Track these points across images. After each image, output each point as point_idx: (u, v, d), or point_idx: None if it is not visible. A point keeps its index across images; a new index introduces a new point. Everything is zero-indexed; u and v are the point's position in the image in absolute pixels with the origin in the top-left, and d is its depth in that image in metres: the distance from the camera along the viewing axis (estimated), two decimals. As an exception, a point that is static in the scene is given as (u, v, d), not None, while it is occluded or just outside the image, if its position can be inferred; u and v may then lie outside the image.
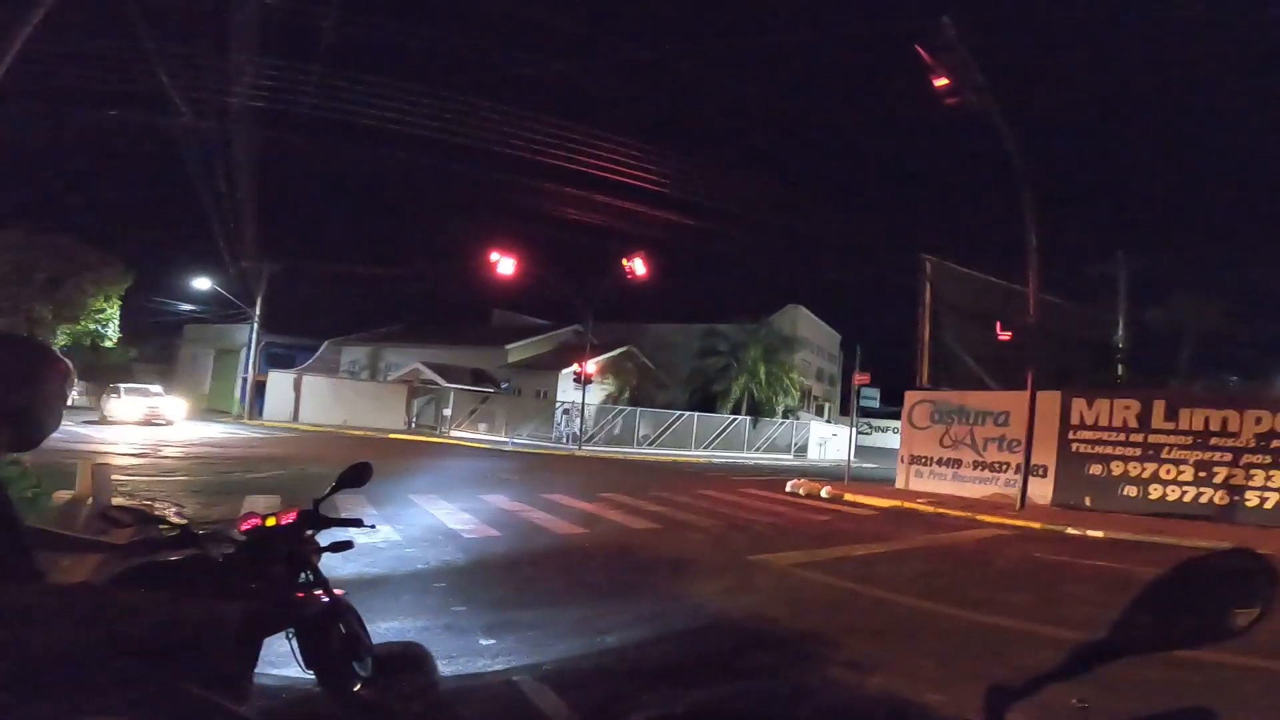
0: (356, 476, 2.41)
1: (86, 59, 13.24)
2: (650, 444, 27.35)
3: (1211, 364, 17.78)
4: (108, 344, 24.18)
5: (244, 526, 2.26)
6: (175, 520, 2.25)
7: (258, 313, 25.61)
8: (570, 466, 17.87)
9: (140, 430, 17.61)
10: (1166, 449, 11.75)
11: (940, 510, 11.83)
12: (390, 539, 6.73)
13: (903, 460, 15.26)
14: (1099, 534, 9.83)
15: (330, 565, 2.43)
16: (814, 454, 31.37)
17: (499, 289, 25.53)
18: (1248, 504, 11.02)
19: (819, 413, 42.06)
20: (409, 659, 2.45)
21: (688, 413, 29.19)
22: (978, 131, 11.85)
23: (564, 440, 25.65)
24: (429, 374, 28.54)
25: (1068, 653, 0.81)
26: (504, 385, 29.64)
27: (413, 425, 26.97)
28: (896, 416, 16.77)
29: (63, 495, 6.80)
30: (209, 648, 1.64)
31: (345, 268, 34.61)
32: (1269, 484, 10.89)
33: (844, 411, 37.98)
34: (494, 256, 20.69)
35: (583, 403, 24.70)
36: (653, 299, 30.88)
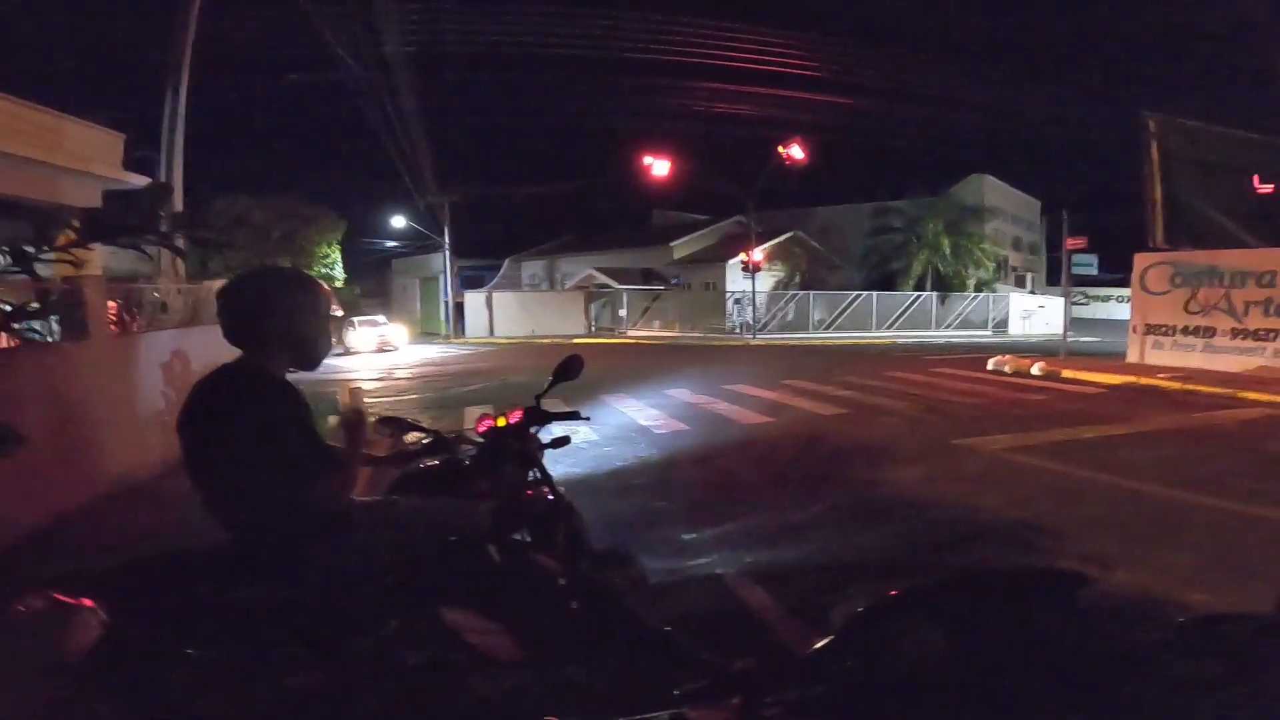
0: (569, 370, 2.51)
1: (253, 32, 14.51)
2: (826, 328, 26.48)
3: None
4: (337, 285, 27.80)
5: (480, 428, 2.47)
6: (428, 428, 2.46)
7: (448, 240, 27.80)
8: (747, 356, 17.81)
9: (374, 357, 20.08)
10: None
11: (1189, 387, 10.11)
12: (589, 439, 7.14)
13: (1135, 330, 13.20)
14: None
15: (545, 467, 2.55)
16: (1016, 329, 28.37)
17: (658, 190, 25.77)
18: None
19: (1020, 284, 37.75)
20: (618, 557, 2.55)
21: (865, 293, 27.61)
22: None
23: (737, 330, 25.70)
24: (602, 278, 29.57)
25: None
26: (673, 281, 29.96)
27: (592, 328, 28.36)
28: (1117, 284, 14.95)
29: (333, 420, 7.94)
30: (472, 545, 1.81)
31: (516, 188, 36.17)
32: None
33: (1052, 281, 33.62)
34: (647, 160, 21.28)
35: (753, 291, 24.33)
36: (817, 182, 29.16)
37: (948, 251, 28.89)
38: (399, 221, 29.51)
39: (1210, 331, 12.02)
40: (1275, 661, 0.69)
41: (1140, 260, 13.22)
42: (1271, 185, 12.76)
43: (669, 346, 22.03)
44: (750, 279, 23.97)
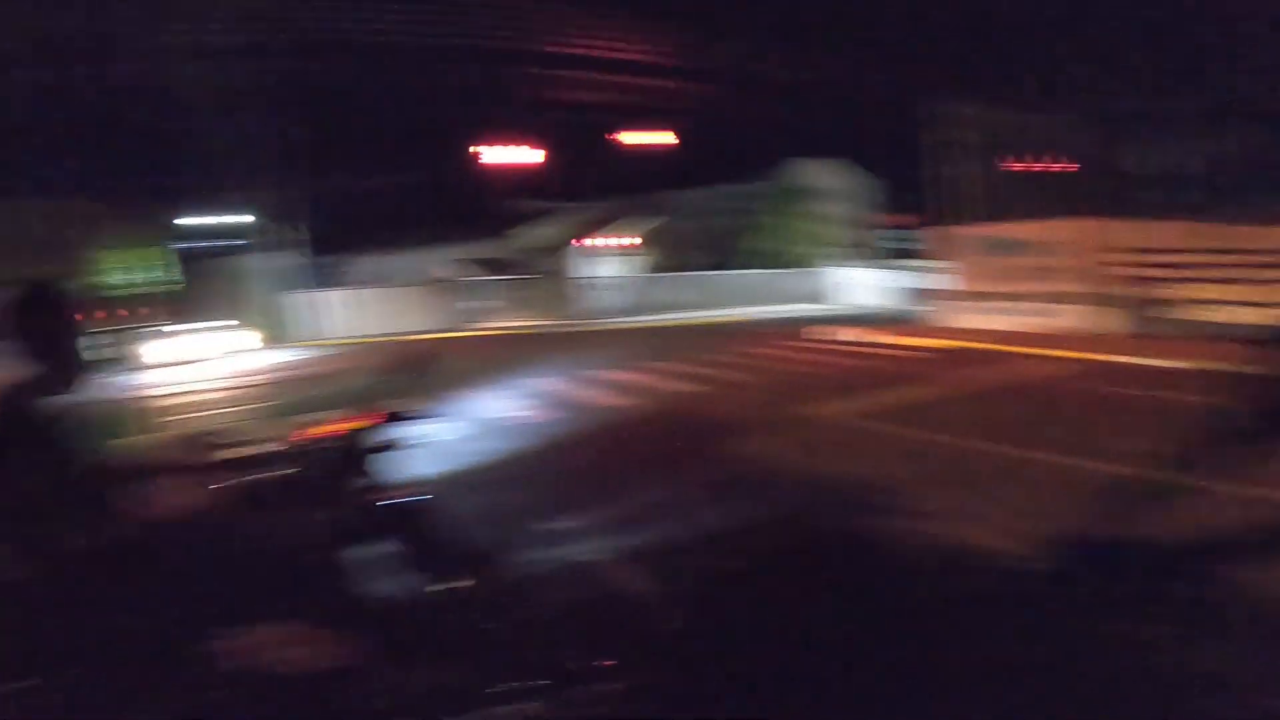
0: (419, 366, 2.42)
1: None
2: (681, 308, 27.54)
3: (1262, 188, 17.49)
4: (163, 289, 25.05)
5: (321, 434, 2.32)
6: (255, 439, 2.32)
7: (293, 238, 25.92)
8: (607, 340, 17.95)
9: (211, 365, 18.03)
10: (1216, 269, 10.98)
11: (993, 346, 11.52)
12: (449, 435, 6.82)
13: (947, 298, 14.84)
14: (1166, 363, 9.13)
15: (400, 469, 2.43)
16: (854, 299, 31.01)
17: (514, 179, 25.40)
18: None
19: (857, 259, 41.33)
20: (487, 554, 2.50)
21: (718, 273, 29.24)
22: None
23: (596, 315, 26.04)
24: (458, 271, 28.83)
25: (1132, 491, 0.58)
26: (529, 270, 29.71)
27: (448, 323, 27.45)
28: (932, 256, 16.98)
29: (148, 436, 6.99)
30: (311, 558, 1.68)
31: (365, 183, 33.97)
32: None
33: (877, 255, 37.02)
34: (499, 149, 21.06)
35: (610, 274, 24.83)
36: (673, 168, 30.09)
37: (791, 231, 31.08)
38: (237, 219, 27.24)
39: (1009, 296, 13.76)
40: (1068, 605, 0.72)
41: (949, 234, 14.84)
42: (1052, 164, 14.75)
43: (530, 336, 21.74)
44: (606, 264, 24.38)
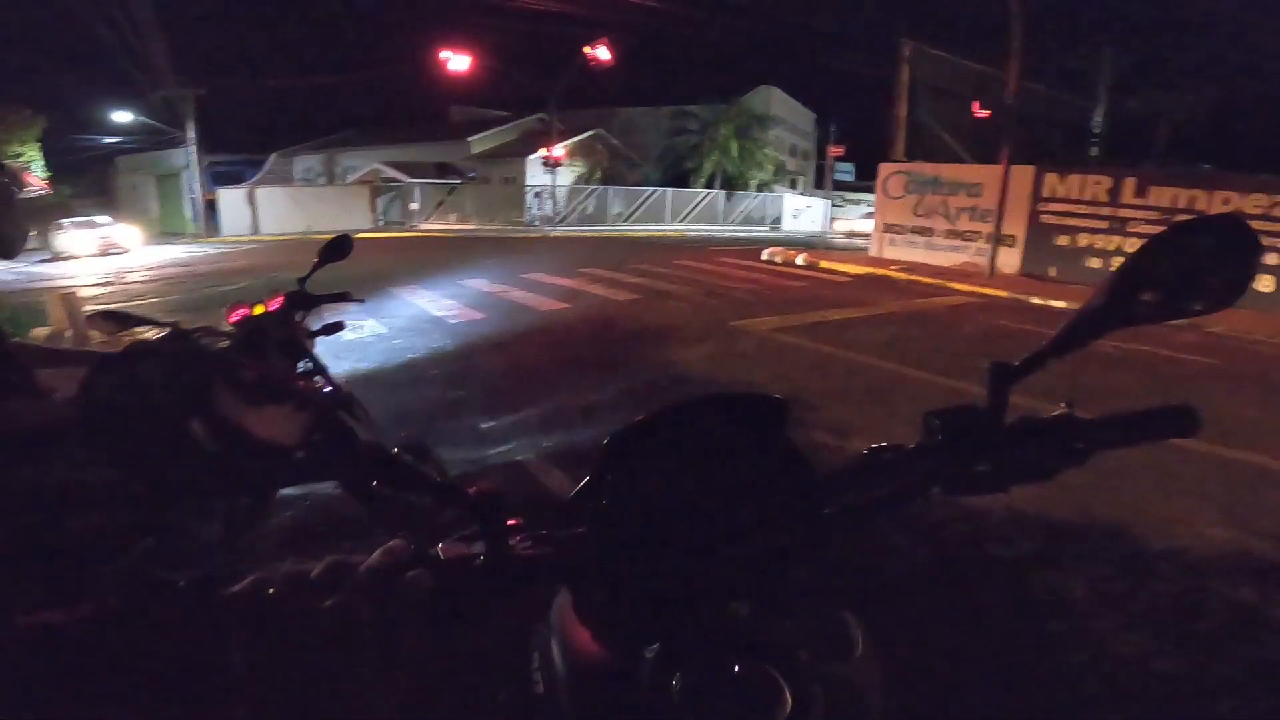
0: (337, 249, 2.31)
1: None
2: (624, 221, 27.43)
3: (1184, 153, 18.48)
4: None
5: (232, 318, 2.21)
6: (163, 321, 2.10)
7: (193, 134, 23.87)
8: (546, 246, 17.75)
9: (97, 261, 17.01)
10: (1133, 223, 11.73)
11: (912, 277, 12.07)
12: (377, 332, 6.81)
13: (876, 229, 15.29)
14: (1062, 304, 9.79)
15: (332, 359, 2.43)
16: (789, 225, 31.43)
17: (456, 85, 24.24)
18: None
19: (793, 186, 41.44)
20: (413, 449, 2.49)
21: (660, 189, 28.94)
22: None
23: (536, 223, 25.56)
24: (390, 172, 27.35)
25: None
26: (471, 175, 28.52)
27: (380, 223, 26.32)
28: (870, 190, 17.32)
29: (40, 331, 6.64)
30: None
31: (285, 79, 31.04)
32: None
33: (819, 185, 37.31)
34: (445, 54, 19.97)
35: (553, 185, 24.18)
36: (620, 83, 28.84)
37: (735, 154, 30.86)
38: (125, 115, 24.61)
39: (930, 231, 14.30)
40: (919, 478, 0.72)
41: (884, 169, 15.12)
42: (987, 111, 15.13)
43: (465, 239, 21.16)
44: (551, 174, 23.72)
